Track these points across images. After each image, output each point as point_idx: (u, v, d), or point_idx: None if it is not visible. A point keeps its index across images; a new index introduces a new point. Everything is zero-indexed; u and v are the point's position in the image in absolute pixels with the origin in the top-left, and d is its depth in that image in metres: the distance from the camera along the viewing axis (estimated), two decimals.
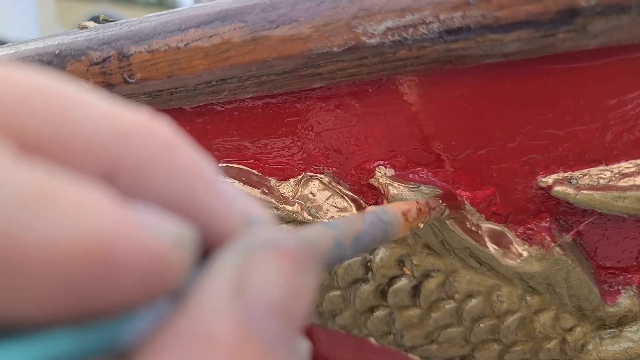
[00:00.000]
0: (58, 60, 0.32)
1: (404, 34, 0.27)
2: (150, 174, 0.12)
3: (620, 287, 0.39)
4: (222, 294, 0.11)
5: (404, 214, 0.24)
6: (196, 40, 0.30)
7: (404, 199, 0.35)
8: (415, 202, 0.27)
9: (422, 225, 0.27)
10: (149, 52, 0.31)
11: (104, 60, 0.31)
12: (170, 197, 0.12)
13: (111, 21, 0.35)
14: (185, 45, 0.30)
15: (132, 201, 0.11)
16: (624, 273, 0.39)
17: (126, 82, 0.31)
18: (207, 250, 0.13)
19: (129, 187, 0.12)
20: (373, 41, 0.27)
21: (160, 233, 0.11)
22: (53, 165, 0.11)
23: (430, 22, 0.27)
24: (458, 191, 0.37)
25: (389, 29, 0.27)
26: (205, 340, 0.11)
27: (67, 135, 0.11)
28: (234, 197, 0.13)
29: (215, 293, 0.11)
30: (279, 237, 0.12)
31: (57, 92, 0.11)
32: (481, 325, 0.40)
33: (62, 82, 0.12)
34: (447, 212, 0.35)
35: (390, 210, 0.22)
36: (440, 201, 0.34)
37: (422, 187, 0.35)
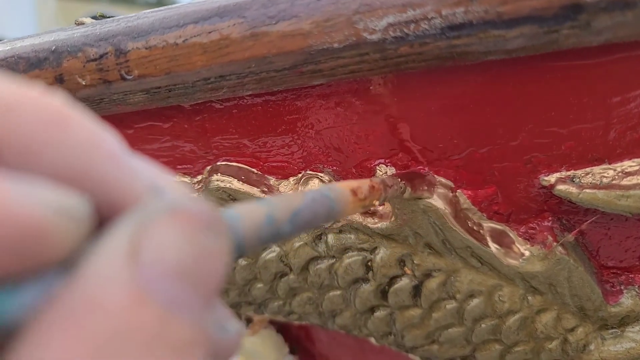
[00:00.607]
0: (54, 57, 0.32)
1: (406, 30, 0.27)
2: (39, 147, 0.12)
3: (622, 287, 0.39)
4: (115, 261, 0.11)
5: (353, 191, 0.23)
6: (195, 36, 0.29)
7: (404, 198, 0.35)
8: (368, 180, 0.27)
9: (377, 204, 0.26)
10: (146, 49, 0.30)
11: (101, 56, 0.31)
12: (62, 170, 0.12)
13: (108, 17, 0.34)
14: (184, 41, 0.29)
15: (10, 173, 0.11)
16: (626, 273, 0.39)
17: (124, 78, 0.31)
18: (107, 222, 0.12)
19: (15, 161, 0.12)
20: (374, 37, 0.27)
21: (37, 203, 0.10)
22: None
23: (432, 18, 0.26)
24: (460, 190, 0.36)
25: (390, 24, 0.27)
26: (96, 309, 0.10)
27: None
28: (139, 169, 0.13)
29: (108, 260, 0.11)
30: (180, 201, 0.12)
31: None
32: (482, 325, 0.40)
33: None
34: (408, 190, 0.33)
35: (337, 187, 0.21)
36: (399, 179, 0.33)
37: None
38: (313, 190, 0.20)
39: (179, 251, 0.11)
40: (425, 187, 0.35)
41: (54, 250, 0.11)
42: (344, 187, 0.23)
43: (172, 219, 0.11)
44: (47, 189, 0.11)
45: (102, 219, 0.12)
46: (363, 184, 0.25)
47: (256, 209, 0.15)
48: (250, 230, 0.14)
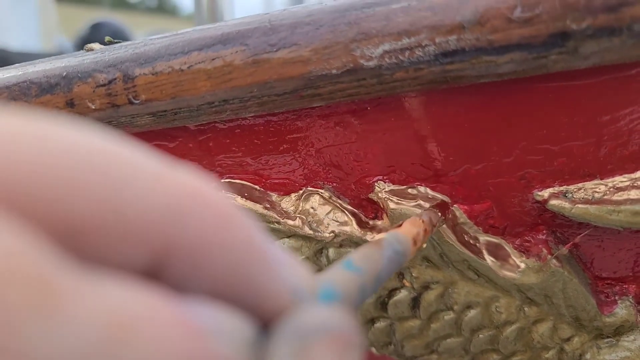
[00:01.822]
0: (65, 82, 0.33)
1: (401, 57, 0.28)
2: (202, 252, 0.11)
3: (616, 298, 0.40)
4: None
5: (414, 240, 0.24)
6: (199, 62, 0.31)
7: (403, 214, 0.36)
8: (420, 221, 0.28)
9: (425, 246, 0.28)
10: (153, 74, 0.31)
11: (110, 82, 0.32)
12: (223, 277, 0.11)
13: (116, 42, 0.36)
14: (189, 67, 0.31)
15: (185, 298, 0.11)
16: (620, 283, 0.40)
17: (131, 103, 0.32)
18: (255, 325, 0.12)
19: (180, 269, 0.11)
20: (371, 64, 0.28)
21: (224, 337, 0.10)
22: (99, 254, 0.10)
23: (426, 45, 0.28)
24: (456, 205, 0.37)
25: (386, 52, 0.28)
26: None
27: (112, 214, 0.10)
28: (280, 262, 0.13)
29: None
30: (329, 321, 0.12)
31: (102, 156, 0.10)
32: (480, 335, 0.41)
33: (104, 139, 0.10)
34: (443, 223, 0.35)
35: (403, 238, 0.22)
36: (439, 213, 0.35)
37: (421, 202, 0.36)
38: (386, 244, 0.20)
39: None
40: (450, 215, 0.36)
41: None
42: (407, 235, 0.23)
43: (328, 343, 0.12)
44: (223, 315, 0.11)
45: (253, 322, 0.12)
46: (419, 229, 0.26)
47: (352, 281, 0.16)
48: (347, 304, 0.15)
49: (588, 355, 0.41)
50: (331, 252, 0.40)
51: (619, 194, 0.34)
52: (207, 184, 0.11)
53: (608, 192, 0.34)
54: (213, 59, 0.30)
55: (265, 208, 0.38)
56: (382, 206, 0.38)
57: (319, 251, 0.41)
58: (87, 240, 0.10)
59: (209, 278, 0.11)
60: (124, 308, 0.09)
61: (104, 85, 0.32)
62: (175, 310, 0.10)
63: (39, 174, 0.09)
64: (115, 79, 0.32)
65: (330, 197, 0.38)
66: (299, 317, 0.12)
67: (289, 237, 0.39)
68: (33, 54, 2.68)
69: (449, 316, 0.41)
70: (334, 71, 0.29)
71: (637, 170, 0.34)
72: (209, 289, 0.11)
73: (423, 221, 0.28)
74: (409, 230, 0.24)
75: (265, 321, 0.12)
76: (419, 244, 0.25)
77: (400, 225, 0.26)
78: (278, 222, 0.38)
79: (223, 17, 1.25)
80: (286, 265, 0.13)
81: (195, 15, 1.31)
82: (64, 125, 0.10)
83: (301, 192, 0.39)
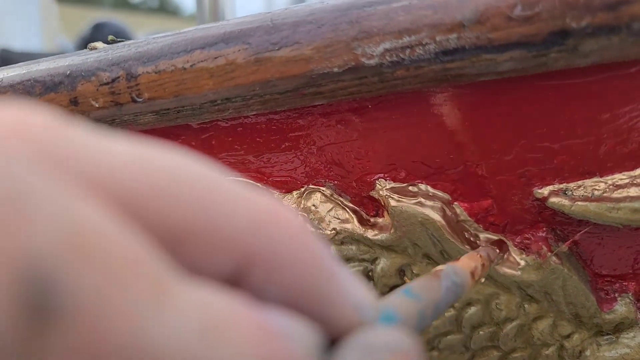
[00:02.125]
0: (69, 81, 0.33)
1: (402, 55, 0.28)
2: (280, 264, 0.12)
3: (616, 295, 0.40)
4: None
5: (472, 273, 0.24)
6: (202, 61, 0.31)
7: (403, 211, 0.36)
8: (478, 256, 0.28)
9: (483, 280, 0.28)
10: (156, 73, 0.32)
11: (113, 80, 0.33)
12: (295, 288, 0.13)
13: (119, 41, 0.36)
14: (191, 66, 0.31)
15: (264, 305, 0.12)
16: (620, 281, 0.40)
17: (134, 101, 0.33)
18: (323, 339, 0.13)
19: (259, 278, 0.12)
20: (372, 62, 0.29)
21: (298, 341, 0.11)
22: (193, 261, 0.11)
23: (426, 44, 0.28)
24: (457, 202, 0.38)
25: (387, 50, 0.28)
26: None
27: (207, 225, 0.12)
28: (347, 282, 0.14)
29: None
30: (397, 340, 0.13)
31: (200, 178, 0.12)
32: (480, 332, 0.41)
33: (200, 164, 0.12)
34: (500, 260, 0.35)
35: (461, 271, 0.22)
36: (497, 250, 0.35)
37: (422, 200, 0.36)
38: (444, 275, 0.21)
39: None
40: (506, 253, 0.36)
41: None
42: (466, 268, 0.24)
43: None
44: (295, 321, 0.12)
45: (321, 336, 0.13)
46: (477, 263, 0.26)
47: (411, 307, 0.16)
48: (406, 328, 0.16)
49: (588, 352, 0.41)
50: (333, 249, 0.40)
51: (619, 191, 0.34)
52: (286, 206, 0.13)
53: (608, 189, 0.35)
54: (215, 58, 0.31)
55: None
56: (383, 204, 0.38)
57: None
58: (186, 248, 0.11)
59: (283, 288, 0.12)
60: (215, 309, 0.11)
61: (107, 83, 0.33)
62: (256, 314, 0.11)
63: (157, 189, 0.11)
64: (118, 77, 0.32)
65: (331, 195, 0.39)
66: (367, 334, 0.13)
67: None
68: (35, 55, 2.68)
69: (449, 313, 0.41)
70: (335, 69, 0.29)
71: (637, 168, 0.34)
72: (282, 298, 0.13)
73: (481, 256, 0.28)
74: (467, 264, 0.25)
75: (331, 335, 0.13)
76: (477, 277, 0.25)
77: (458, 259, 0.26)
78: None
79: (225, 17, 1.25)
80: (352, 285, 0.14)
81: (197, 16, 1.30)
82: (177, 153, 0.12)
83: (303, 189, 0.39)
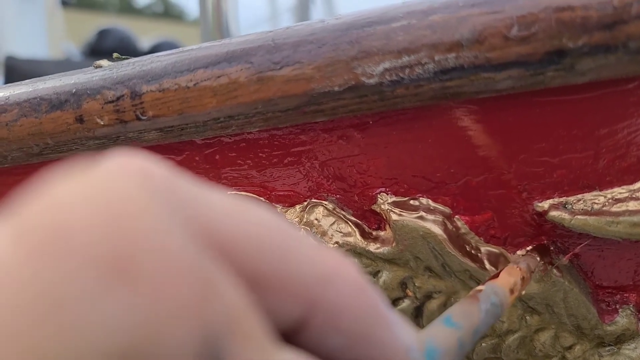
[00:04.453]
0: (75, 99, 0.34)
1: (401, 74, 0.29)
2: (342, 312, 0.13)
3: (617, 306, 0.40)
4: None
5: (511, 290, 0.25)
6: (205, 80, 0.31)
7: (405, 225, 0.37)
8: (517, 269, 0.28)
9: (523, 293, 0.28)
10: (160, 91, 0.32)
11: (118, 98, 0.33)
12: (354, 334, 0.14)
13: (124, 58, 0.37)
14: (195, 84, 0.32)
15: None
16: (621, 292, 0.40)
17: (139, 119, 0.33)
18: None
19: (321, 323, 0.13)
20: (372, 81, 0.29)
21: None
22: (266, 303, 0.13)
23: (425, 63, 0.28)
24: (458, 216, 0.38)
25: (386, 69, 0.29)
26: None
27: (286, 273, 0.13)
28: (398, 326, 0.15)
29: None
30: None
31: (284, 232, 0.13)
32: (483, 344, 0.42)
33: (283, 220, 0.14)
34: (542, 267, 0.35)
35: (500, 289, 0.23)
36: (538, 258, 0.34)
37: (423, 214, 0.37)
38: (483, 297, 0.21)
39: None
40: (551, 259, 0.36)
41: None
42: (504, 285, 0.24)
43: None
44: None
45: None
46: (516, 277, 0.26)
47: (451, 336, 0.17)
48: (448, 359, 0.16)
49: None
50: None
51: (618, 205, 0.35)
52: (349, 260, 0.14)
53: (607, 203, 0.35)
54: (219, 77, 0.31)
55: None
56: (384, 217, 0.38)
57: None
58: (265, 293, 0.13)
59: (342, 334, 0.14)
60: None
61: (112, 101, 0.33)
62: None
63: (250, 239, 0.13)
64: (123, 95, 0.33)
65: (334, 209, 0.39)
66: None
67: None
68: (40, 62, 2.70)
69: None
70: (336, 88, 0.30)
71: (636, 182, 0.34)
72: (341, 344, 0.14)
73: (520, 269, 0.28)
74: (506, 280, 0.25)
75: None
76: (517, 292, 0.26)
77: (497, 275, 0.26)
78: None
79: (228, 22, 1.25)
80: (401, 327, 0.15)
81: (201, 20, 1.31)
82: (265, 208, 0.14)
83: (305, 203, 0.39)
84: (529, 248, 0.35)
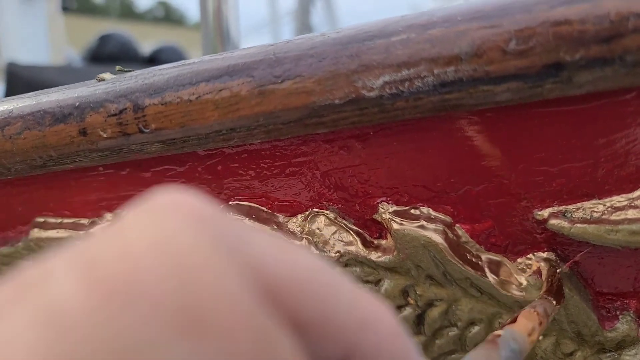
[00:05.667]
0: (78, 112, 0.34)
1: (401, 87, 0.29)
2: (379, 356, 0.14)
3: (618, 313, 0.41)
4: None
5: (529, 334, 0.25)
6: (207, 93, 0.32)
7: (406, 234, 0.37)
8: (535, 314, 0.28)
9: (541, 338, 0.28)
10: (162, 104, 0.33)
11: (121, 112, 0.33)
12: None
13: (127, 71, 0.37)
14: (197, 98, 0.32)
15: None
16: (621, 299, 0.41)
17: (141, 131, 0.34)
18: None
19: None
20: (372, 94, 0.29)
21: None
22: (309, 347, 0.13)
23: (425, 76, 0.29)
24: (458, 224, 0.38)
25: (386, 82, 0.29)
26: None
27: (327, 319, 0.13)
28: None
29: None
30: None
31: (329, 278, 0.14)
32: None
33: (326, 264, 0.14)
34: (558, 310, 0.35)
35: (519, 335, 0.23)
36: (554, 302, 0.34)
37: (424, 223, 0.37)
38: (503, 344, 0.21)
39: None
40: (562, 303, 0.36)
41: None
42: (523, 331, 0.24)
43: None
44: None
45: None
46: (534, 323, 0.26)
47: None
48: None
49: None
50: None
51: (617, 213, 0.35)
52: (386, 304, 0.15)
53: (606, 211, 0.35)
54: (220, 90, 0.31)
55: (273, 229, 0.40)
56: (386, 226, 0.39)
57: None
58: (308, 337, 0.13)
59: None
60: None
61: (115, 115, 0.34)
62: None
63: (297, 284, 0.13)
64: (125, 108, 0.33)
65: (335, 218, 0.39)
66: None
67: None
68: (41, 68, 2.71)
69: (453, 332, 0.42)
70: (336, 101, 0.30)
71: (634, 190, 0.35)
72: None
73: (538, 314, 0.28)
74: (524, 325, 0.25)
75: None
76: (535, 336, 0.26)
77: (515, 320, 0.26)
78: None
79: (229, 26, 1.25)
80: None
81: (202, 25, 1.31)
82: (309, 253, 0.14)
83: (307, 213, 0.40)
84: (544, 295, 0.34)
